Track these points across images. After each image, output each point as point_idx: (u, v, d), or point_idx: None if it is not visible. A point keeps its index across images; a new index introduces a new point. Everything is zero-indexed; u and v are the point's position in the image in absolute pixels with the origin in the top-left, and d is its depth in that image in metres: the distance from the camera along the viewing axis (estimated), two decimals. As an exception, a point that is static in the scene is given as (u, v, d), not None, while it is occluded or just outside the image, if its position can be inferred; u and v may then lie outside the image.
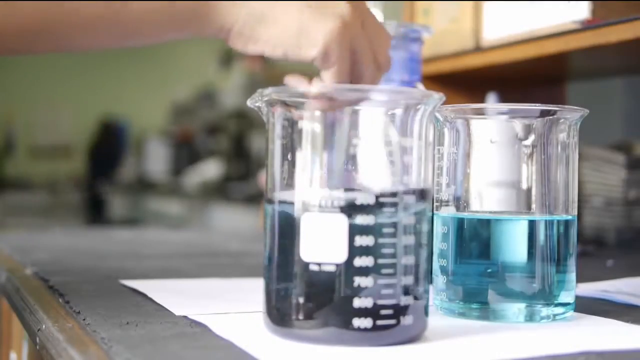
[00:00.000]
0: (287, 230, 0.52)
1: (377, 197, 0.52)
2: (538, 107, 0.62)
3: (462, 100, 1.19)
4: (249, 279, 0.81)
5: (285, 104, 0.53)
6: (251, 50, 0.63)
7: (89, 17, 0.61)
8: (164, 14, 0.62)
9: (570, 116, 0.63)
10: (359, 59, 0.62)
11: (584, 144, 0.95)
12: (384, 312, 0.51)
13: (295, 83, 0.62)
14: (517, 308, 0.62)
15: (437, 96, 0.54)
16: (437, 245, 0.64)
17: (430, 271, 0.56)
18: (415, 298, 0.53)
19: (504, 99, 1.16)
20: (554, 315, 0.62)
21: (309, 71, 0.64)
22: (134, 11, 0.61)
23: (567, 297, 0.63)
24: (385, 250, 0.51)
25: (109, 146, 5.82)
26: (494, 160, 0.64)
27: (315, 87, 0.53)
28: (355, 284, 0.51)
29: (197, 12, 0.62)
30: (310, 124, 0.52)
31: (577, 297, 0.65)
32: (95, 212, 5.58)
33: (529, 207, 0.63)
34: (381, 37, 0.64)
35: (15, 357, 0.95)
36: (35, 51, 0.64)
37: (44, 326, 0.59)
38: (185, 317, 0.60)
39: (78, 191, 5.83)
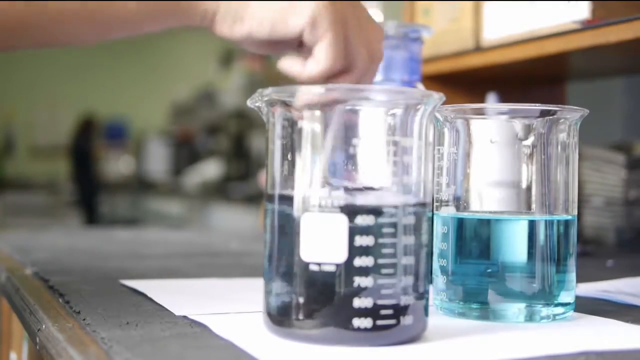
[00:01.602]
0: (287, 230, 0.52)
1: (377, 197, 0.51)
2: (538, 107, 0.62)
3: (462, 100, 1.19)
4: (249, 279, 0.81)
5: (285, 104, 0.53)
6: (238, 32, 0.62)
7: (69, 11, 0.60)
8: (147, 7, 0.61)
9: (570, 116, 0.63)
10: (351, 40, 0.61)
11: (584, 144, 0.95)
12: (384, 312, 0.51)
13: (288, 65, 0.61)
14: (517, 308, 0.62)
15: (437, 96, 0.54)
16: (437, 245, 0.64)
17: (430, 271, 0.56)
18: (415, 298, 0.53)
19: (504, 99, 1.16)
20: (554, 315, 0.62)
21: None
22: (116, 5, 0.60)
23: (567, 297, 0.63)
24: (385, 250, 0.51)
25: (85, 142, 5.77)
26: (494, 160, 0.64)
27: (316, 87, 0.53)
28: (355, 284, 0.51)
29: (179, 2, 0.61)
30: (310, 124, 0.52)
31: (577, 297, 0.65)
32: (87, 211, 5.55)
33: (529, 207, 0.63)
34: (374, 30, 0.63)
35: (15, 357, 0.95)
36: (16, 47, 0.63)
37: (44, 326, 0.59)
38: (185, 317, 0.60)
39: (69, 190, 5.82)
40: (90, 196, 5.64)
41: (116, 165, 6.48)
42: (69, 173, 5.85)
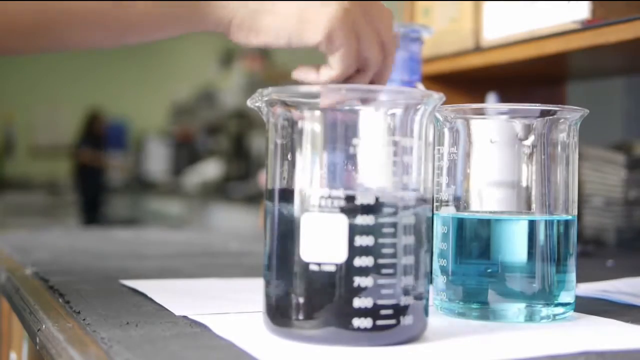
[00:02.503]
0: (287, 230, 0.52)
1: (377, 197, 0.52)
2: (538, 107, 0.62)
3: (462, 100, 1.19)
4: (249, 279, 0.81)
5: (285, 104, 0.53)
6: (254, 42, 0.62)
7: (86, 15, 0.60)
8: (162, 11, 0.61)
9: (570, 116, 0.63)
10: (363, 42, 0.62)
11: (584, 144, 0.95)
12: (383, 312, 0.51)
13: (303, 74, 0.62)
14: (517, 308, 0.62)
15: (437, 96, 0.54)
16: (437, 245, 0.64)
17: (430, 271, 0.56)
18: (415, 298, 0.53)
19: (504, 99, 1.16)
20: (554, 315, 0.62)
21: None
22: (131, 9, 0.61)
23: (567, 297, 0.63)
24: (385, 250, 0.51)
25: (94, 140, 5.76)
26: (494, 160, 0.64)
27: (317, 87, 0.53)
28: (355, 284, 0.51)
29: (195, 8, 0.61)
30: (310, 124, 0.52)
31: (577, 297, 0.65)
32: (90, 212, 5.55)
33: (529, 207, 0.63)
34: (383, 17, 0.63)
35: (15, 357, 0.95)
36: (32, 50, 0.63)
37: (44, 326, 0.59)
38: (185, 317, 0.60)
39: (73, 191, 5.81)
40: (94, 196, 5.62)
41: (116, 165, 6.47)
42: (72, 172, 5.83)
